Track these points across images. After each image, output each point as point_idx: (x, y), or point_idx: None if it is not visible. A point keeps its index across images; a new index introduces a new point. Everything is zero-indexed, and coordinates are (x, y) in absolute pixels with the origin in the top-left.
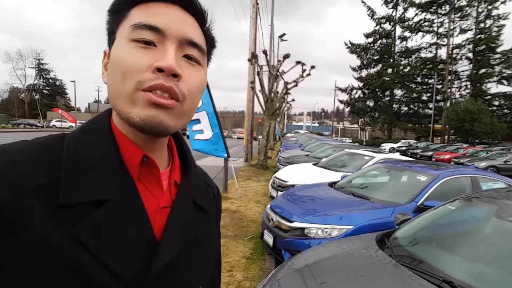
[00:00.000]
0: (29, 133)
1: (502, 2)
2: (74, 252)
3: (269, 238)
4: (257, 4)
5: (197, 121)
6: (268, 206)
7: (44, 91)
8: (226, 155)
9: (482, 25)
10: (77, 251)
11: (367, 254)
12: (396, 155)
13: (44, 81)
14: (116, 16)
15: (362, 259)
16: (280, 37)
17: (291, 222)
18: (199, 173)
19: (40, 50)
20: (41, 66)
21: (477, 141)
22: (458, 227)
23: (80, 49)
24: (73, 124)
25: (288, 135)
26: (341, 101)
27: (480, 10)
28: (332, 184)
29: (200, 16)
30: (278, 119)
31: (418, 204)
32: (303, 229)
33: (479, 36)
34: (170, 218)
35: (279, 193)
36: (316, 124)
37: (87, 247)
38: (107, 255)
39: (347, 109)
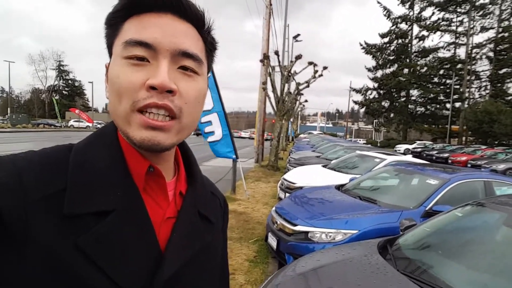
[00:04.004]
0: (48, 132)
1: None
2: (78, 263)
3: (273, 241)
4: (271, 5)
5: (209, 123)
6: (273, 208)
7: (63, 91)
8: (234, 156)
9: (505, 23)
10: (80, 262)
11: (367, 261)
12: (408, 157)
13: (64, 82)
14: (112, 30)
15: (361, 266)
16: (295, 37)
17: (295, 225)
18: (205, 183)
19: (60, 52)
20: (61, 68)
21: (496, 142)
22: (464, 235)
23: (97, 51)
24: (90, 124)
25: (301, 136)
26: (355, 102)
27: (503, 7)
28: (339, 187)
29: (196, 21)
30: (291, 120)
31: (427, 208)
32: (306, 233)
33: (501, 34)
34: (174, 229)
35: (287, 195)
36: (330, 125)
37: (90, 258)
38: (110, 266)
39: (362, 110)
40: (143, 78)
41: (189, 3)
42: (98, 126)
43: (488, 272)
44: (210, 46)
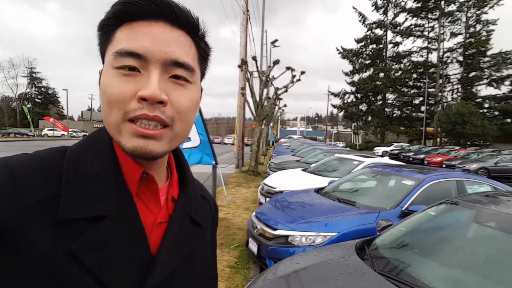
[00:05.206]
0: (20, 142)
1: (490, 7)
2: (71, 267)
3: (253, 246)
4: (247, 11)
5: None
6: (253, 213)
7: (36, 99)
8: (214, 162)
9: (472, 29)
10: (73, 267)
11: (345, 262)
12: (385, 159)
13: (37, 89)
14: (104, 37)
15: (339, 268)
16: (273, 43)
17: (275, 229)
18: (197, 187)
19: (32, 58)
20: (33, 75)
21: (468, 143)
22: (437, 233)
23: (71, 58)
24: (65, 133)
25: (282, 140)
26: (334, 106)
27: (469, 15)
28: (318, 190)
29: (189, 27)
30: (271, 125)
31: (403, 209)
32: (287, 236)
33: (469, 40)
34: (166, 234)
35: (268, 199)
36: (310, 129)
37: (83, 263)
38: (103, 271)
39: (340, 114)
40: (134, 89)
41: (182, 10)
42: (74, 134)
43: (460, 268)
44: (203, 52)
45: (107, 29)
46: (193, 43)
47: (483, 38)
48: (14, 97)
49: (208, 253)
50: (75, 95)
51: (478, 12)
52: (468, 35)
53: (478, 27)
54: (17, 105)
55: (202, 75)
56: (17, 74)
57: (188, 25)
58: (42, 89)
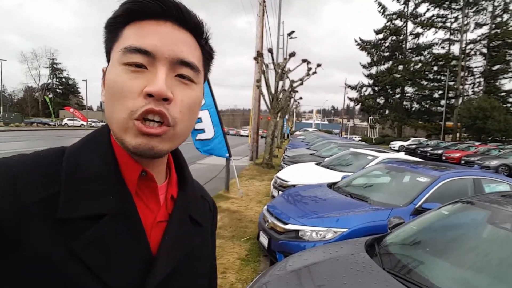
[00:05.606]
0: (42, 131)
1: None
2: (71, 266)
3: (264, 240)
4: (264, 2)
5: (199, 119)
6: (265, 207)
7: (57, 90)
8: (227, 154)
9: (498, 19)
10: (73, 266)
11: (354, 260)
12: (401, 155)
13: (58, 80)
14: (111, 35)
15: (347, 265)
16: (289, 34)
17: (286, 224)
18: (196, 187)
19: (53, 50)
20: (54, 66)
21: (489, 139)
22: (449, 233)
23: (90, 48)
24: (84, 123)
25: (297, 133)
26: (350, 99)
27: (496, 4)
28: (331, 185)
29: (195, 29)
30: (286, 117)
31: (416, 206)
32: (297, 231)
33: (495, 31)
34: (166, 233)
35: (280, 193)
36: (326, 122)
37: (83, 262)
38: (103, 270)
39: (357, 107)
40: (141, 86)
41: (189, 12)
42: (93, 124)
43: (472, 270)
44: (208, 55)
45: (115, 27)
46: (198, 45)
47: (510, 28)
48: (36, 88)
49: (209, 251)
50: (94, 85)
51: (507, 0)
52: (494, 25)
53: (506, 16)
54: (40, 95)
55: (205, 77)
56: (39, 65)
57: (195, 27)
58: (63, 79)
